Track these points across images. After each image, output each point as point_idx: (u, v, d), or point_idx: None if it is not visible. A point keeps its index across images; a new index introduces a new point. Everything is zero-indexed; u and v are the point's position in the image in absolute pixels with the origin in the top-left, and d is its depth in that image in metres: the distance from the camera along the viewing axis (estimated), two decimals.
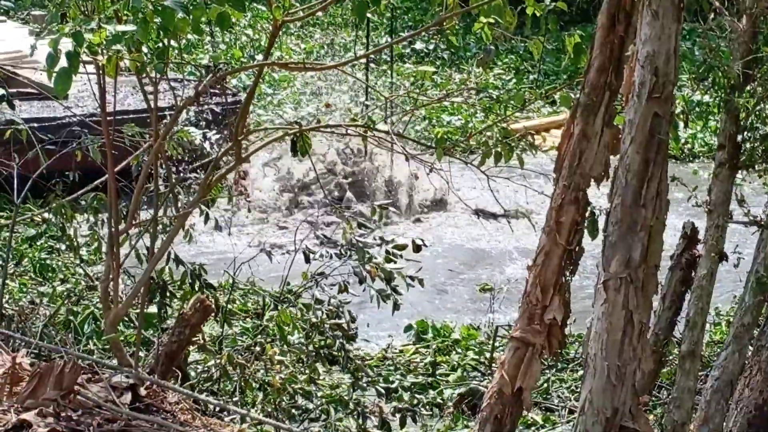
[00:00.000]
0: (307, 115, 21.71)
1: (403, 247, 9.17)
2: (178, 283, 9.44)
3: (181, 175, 9.50)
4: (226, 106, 14.35)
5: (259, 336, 10.46)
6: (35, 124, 13.16)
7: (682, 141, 20.36)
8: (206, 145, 8.61)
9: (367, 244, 9.08)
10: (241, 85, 21.27)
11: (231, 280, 10.81)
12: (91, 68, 7.29)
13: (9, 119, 10.75)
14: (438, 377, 11.68)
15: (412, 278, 9.22)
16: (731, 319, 12.52)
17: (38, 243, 13.28)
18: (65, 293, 11.41)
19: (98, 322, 10.72)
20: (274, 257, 10.46)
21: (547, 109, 22.38)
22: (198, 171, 8.74)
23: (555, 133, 20.16)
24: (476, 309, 13.81)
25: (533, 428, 10.73)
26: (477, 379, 11.64)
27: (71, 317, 10.66)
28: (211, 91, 14.57)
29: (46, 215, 12.81)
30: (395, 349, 12.32)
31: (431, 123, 21.16)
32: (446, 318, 13.30)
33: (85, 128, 9.46)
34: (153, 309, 9.80)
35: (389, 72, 24.57)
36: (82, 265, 12.38)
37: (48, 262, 12.62)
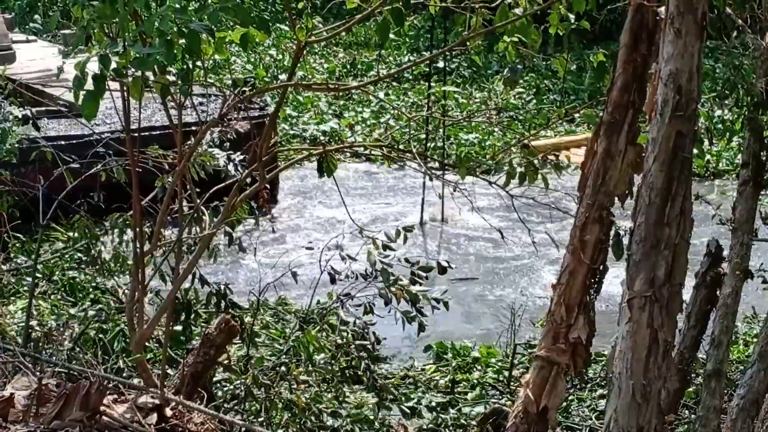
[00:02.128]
0: (329, 131, 21.82)
1: (429, 269, 9.17)
2: (204, 303, 9.46)
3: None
4: (252, 121, 14.40)
5: (285, 356, 10.46)
6: (63, 142, 13.24)
7: (706, 158, 20.32)
8: (230, 167, 8.65)
9: (391, 265, 9.09)
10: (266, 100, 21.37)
11: (257, 301, 10.82)
12: (117, 85, 7.35)
13: (33, 138, 10.83)
14: (457, 395, 11.68)
15: (437, 301, 9.22)
16: (747, 338, 12.50)
17: (66, 256, 13.33)
18: (94, 314, 11.45)
19: (128, 339, 10.74)
20: (300, 278, 10.46)
21: (565, 127, 22.38)
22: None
23: (575, 152, 20.14)
24: (490, 325, 13.85)
25: None
26: (496, 397, 11.63)
27: (101, 335, 10.68)
28: (238, 105, 14.60)
29: (71, 234, 12.88)
30: (417, 369, 12.33)
31: (450, 142, 21.22)
32: (463, 335, 13.32)
33: (114, 146, 9.50)
34: (179, 329, 9.82)
35: (411, 92, 24.64)
36: (113, 281, 12.41)
37: (77, 279, 12.61)
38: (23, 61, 20.11)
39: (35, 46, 22.30)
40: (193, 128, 8.80)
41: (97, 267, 10.87)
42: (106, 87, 6.23)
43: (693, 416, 9.67)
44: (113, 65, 6.19)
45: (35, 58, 20.47)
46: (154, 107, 16.96)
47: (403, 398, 11.03)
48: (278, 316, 12.94)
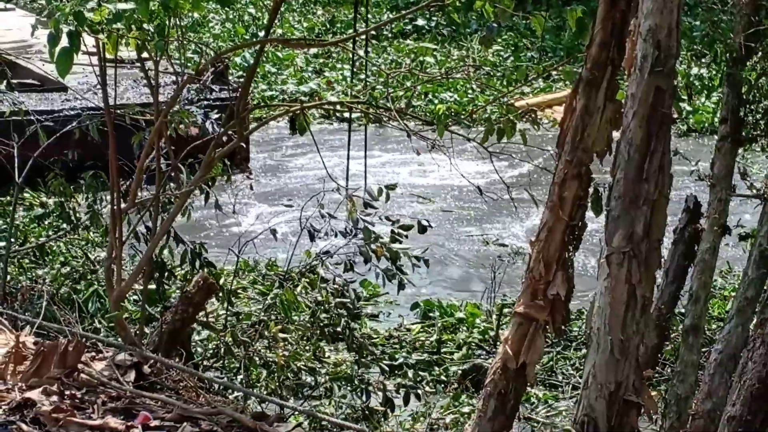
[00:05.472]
0: (308, 91, 21.78)
1: (408, 228, 9.14)
2: (179, 261, 9.44)
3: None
4: (225, 102, 14.39)
5: (263, 314, 10.45)
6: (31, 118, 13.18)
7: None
8: (207, 124, 8.61)
9: (373, 223, 9.05)
10: (244, 63, 21.30)
11: (236, 259, 10.78)
12: (92, 59, 7.32)
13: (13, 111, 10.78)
14: (443, 355, 11.72)
15: (417, 258, 9.20)
16: (726, 293, 12.57)
17: (45, 223, 13.25)
18: (67, 273, 11.39)
19: (102, 300, 10.71)
20: (279, 235, 10.42)
21: (541, 84, 22.40)
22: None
23: (557, 109, 20.16)
24: (474, 283, 13.92)
25: (537, 403, 10.79)
26: (482, 357, 11.67)
27: (74, 295, 10.64)
28: (212, 86, 14.67)
29: (44, 198, 12.81)
30: (404, 328, 12.37)
31: (430, 100, 21.20)
32: (444, 292, 13.38)
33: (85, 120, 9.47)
34: (153, 287, 9.78)
35: (389, 48, 24.58)
36: (83, 245, 12.36)
37: (48, 245, 12.51)
38: None
39: (12, 15, 21.96)
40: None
41: (72, 225, 10.81)
42: (83, 59, 6.19)
43: (671, 372, 9.72)
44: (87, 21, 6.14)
45: (11, 27, 20.11)
46: (126, 84, 16.90)
47: (385, 357, 11.05)
48: (258, 273, 12.92)
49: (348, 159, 16.26)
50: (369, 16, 23.65)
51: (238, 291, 12.15)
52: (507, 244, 13.74)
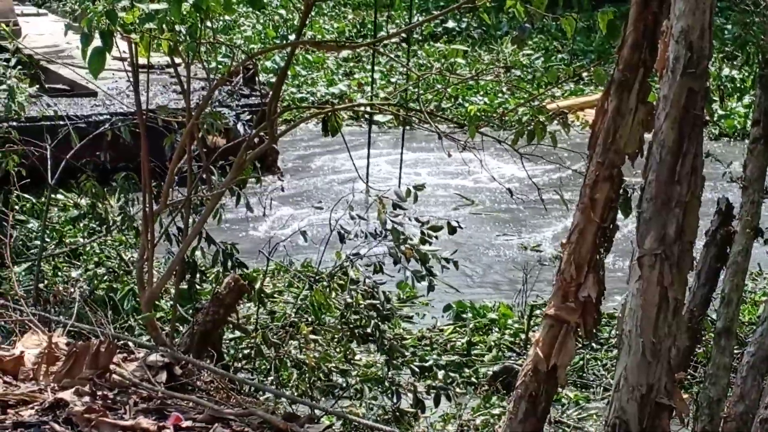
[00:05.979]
0: (338, 93, 21.81)
1: (438, 229, 9.15)
2: (210, 262, 9.47)
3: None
4: (255, 108, 14.45)
5: (294, 315, 10.47)
6: (62, 122, 13.31)
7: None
8: (239, 126, 8.64)
9: (402, 224, 9.05)
10: (274, 66, 21.36)
11: (267, 260, 10.82)
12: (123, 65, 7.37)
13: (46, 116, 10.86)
14: (474, 357, 11.71)
15: (447, 260, 9.20)
16: (756, 297, 12.51)
17: (81, 225, 13.32)
18: (102, 273, 11.45)
19: (138, 298, 10.75)
20: (309, 237, 10.45)
21: (571, 87, 22.35)
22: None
23: (588, 112, 20.13)
24: (508, 285, 13.89)
25: (568, 405, 10.77)
26: (512, 358, 11.66)
27: (111, 294, 10.69)
28: (242, 92, 14.76)
29: (77, 200, 12.88)
30: (437, 329, 12.38)
31: (460, 104, 21.22)
32: (478, 295, 13.37)
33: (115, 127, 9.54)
34: (184, 287, 9.82)
35: (419, 51, 24.59)
36: (117, 246, 12.41)
37: (81, 246, 12.57)
38: (31, 34, 19.80)
39: (45, 20, 22.09)
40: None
41: (105, 226, 10.88)
42: (113, 65, 6.23)
43: (703, 374, 9.68)
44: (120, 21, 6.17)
45: (43, 32, 20.21)
46: (156, 90, 16.98)
47: (415, 358, 11.06)
48: (292, 275, 12.94)
49: (368, 159, 16.33)
50: (398, 20, 23.71)
51: (273, 293, 12.18)
52: (542, 250, 13.72)
